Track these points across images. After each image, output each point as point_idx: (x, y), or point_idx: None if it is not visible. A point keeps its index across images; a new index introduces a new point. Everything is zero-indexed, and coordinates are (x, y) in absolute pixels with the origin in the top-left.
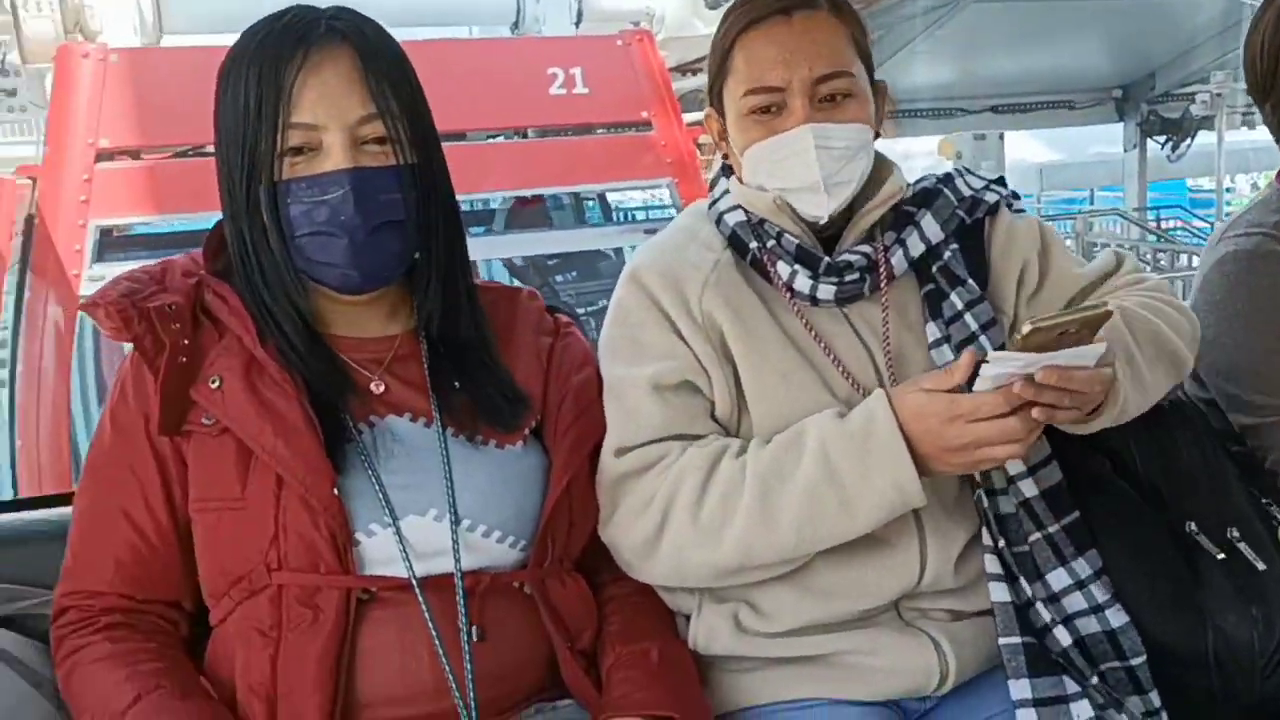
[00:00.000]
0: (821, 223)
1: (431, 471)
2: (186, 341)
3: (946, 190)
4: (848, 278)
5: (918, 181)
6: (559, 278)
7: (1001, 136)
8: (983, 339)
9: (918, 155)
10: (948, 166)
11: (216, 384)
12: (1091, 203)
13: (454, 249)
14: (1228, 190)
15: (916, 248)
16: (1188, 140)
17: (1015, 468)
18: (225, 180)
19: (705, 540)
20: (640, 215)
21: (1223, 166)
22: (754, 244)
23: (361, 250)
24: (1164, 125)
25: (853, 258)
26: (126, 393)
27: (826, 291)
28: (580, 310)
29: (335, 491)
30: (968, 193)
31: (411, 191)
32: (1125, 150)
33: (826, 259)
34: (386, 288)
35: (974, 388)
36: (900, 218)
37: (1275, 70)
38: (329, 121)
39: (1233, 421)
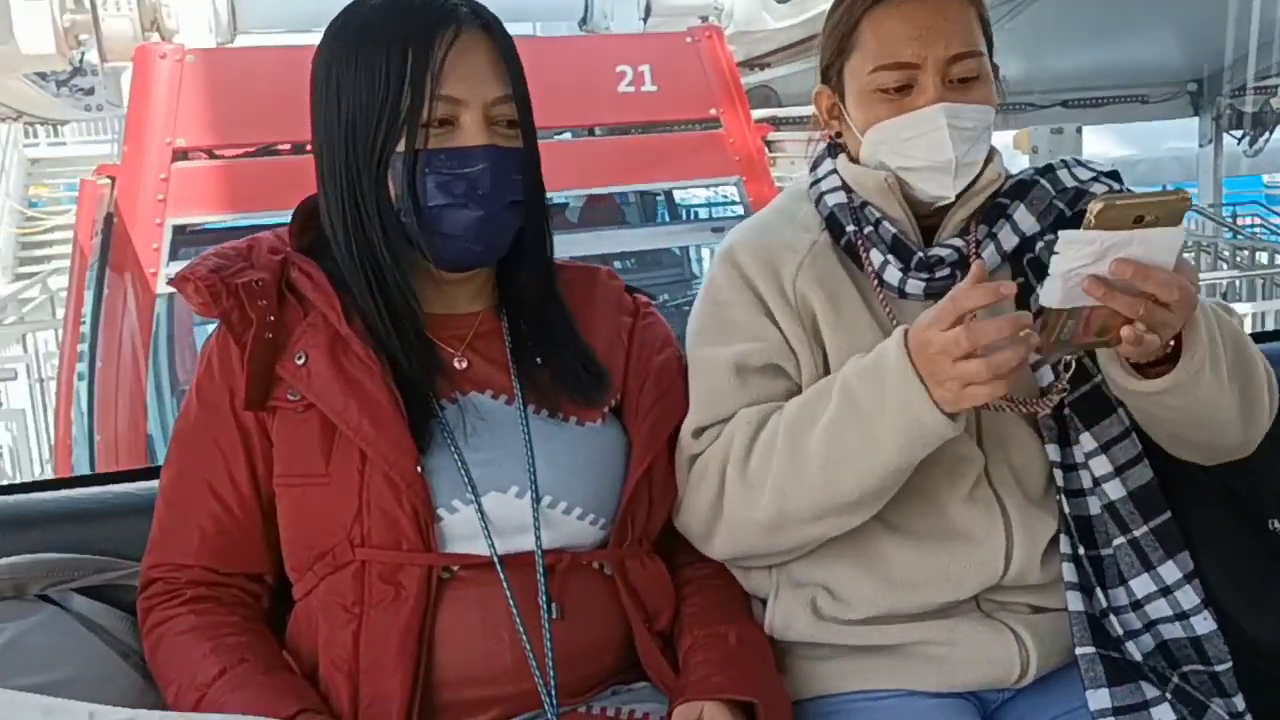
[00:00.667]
0: (947, 201)
1: (513, 448)
2: (273, 318)
3: (1044, 181)
4: (938, 273)
5: (1017, 173)
6: (617, 264)
7: (1079, 130)
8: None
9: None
10: (1024, 160)
11: (302, 360)
12: None
13: (545, 230)
14: None
15: (1009, 240)
16: (1266, 135)
17: (1101, 469)
18: (342, 150)
19: (751, 496)
20: (703, 213)
21: None
22: (851, 227)
23: (489, 225)
24: (1241, 120)
25: (944, 252)
26: (213, 367)
27: (915, 286)
28: None
29: (419, 469)
30: (1071, 184)
31: (528, 174)
32: (1200, 145)
33: (919, 254)
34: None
35: (1044, 288)
36: (994, 210)
37: None
38: (471, 98)
39: None
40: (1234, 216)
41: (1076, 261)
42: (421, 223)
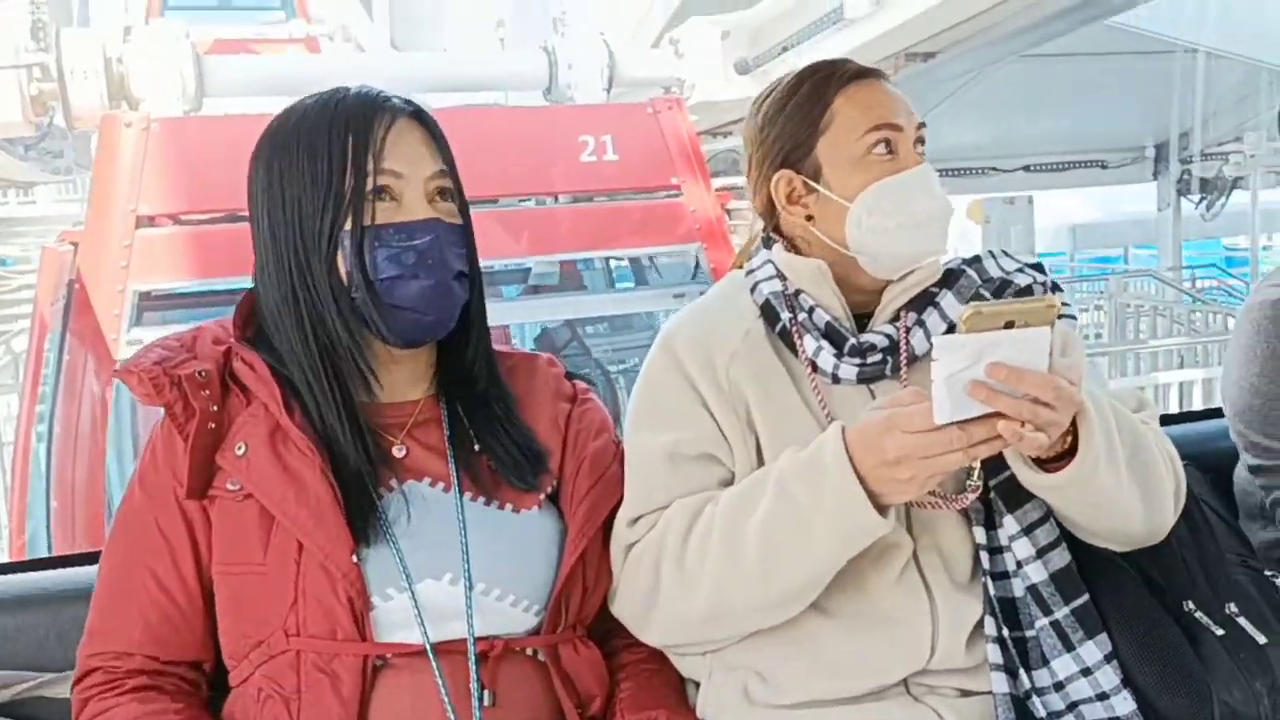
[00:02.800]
0: (941, 255)
1: (448, 535)
2: (215, 408)
3: (970, 270)
4: (870, 359)
5: (945, 262)
6: (589, 329)
7: (1031, 200)
8: None
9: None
10: (976, 230)
11: (242, 450)
12: (1126, 261)
13: (483, 313)
14: (1264, 249)
15: (937, 327)
16: (1222, 199)
17: (1023, 551)
18: (290, 239)
19: (687, 588)
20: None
21: (1258, 226)
22: (785, 315)
23: (439, 294)
24: (1198, 184)
25: (875, 339)
26: (157, 456)
27: (848, 371)
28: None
29: (355, 559)
30: (996, 274)
31: (469, 249)
32: (1159, 209)
33: (852, 340)
34: (421, 347)
35: (934, 405)
36: (922, 298)
37: None
38: (411, 173)
39: (1246, 461)
40: (1193, 280)
41: (955, 366)
42: (374, 297)
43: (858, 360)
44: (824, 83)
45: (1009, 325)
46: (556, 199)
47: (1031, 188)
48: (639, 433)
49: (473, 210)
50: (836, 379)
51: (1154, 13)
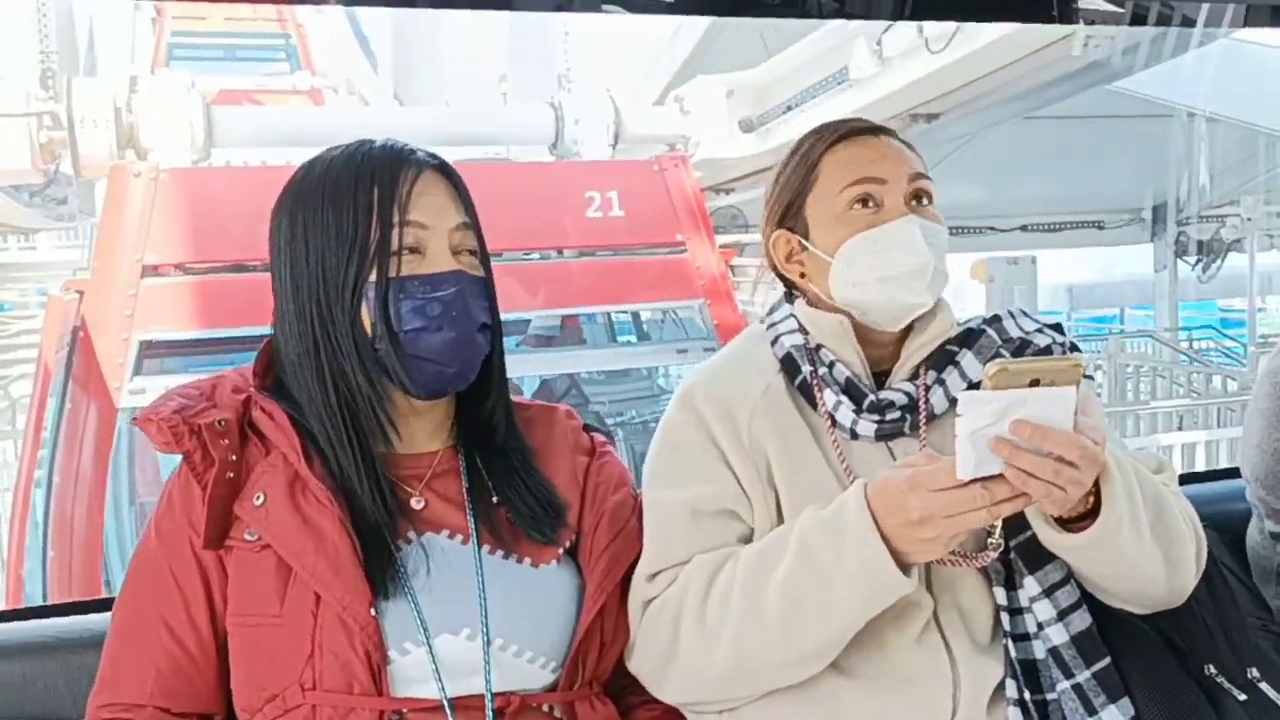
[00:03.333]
0: (925, 309)
1: (466, 589)
2: (234, 457)
3: (990, 330)
4: (889, 416)
5: (965, 321)
6: (584, 375)
7: (1034, 260)
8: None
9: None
10: (980, 290)
11: (260, 500)
12: (1122, 322)
13: (503, 365)
14: (1260, 311)
15: (957, 386)
16: (1218, 262)
17: (1045, 613)
18: (314, 290)
19: (707, 645)
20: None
21: (1254, 288)
22: (806, 368)
23: (463, 346)
24: (1195, 246)
25: (895, 396)
26: (174, 504)
27: (867, 428)
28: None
29: (373, 612)
30: (1016, 334)
31: (491, 302)
32: (1155, 270)
33: (871, 396)
34: (442, 399)
35: (958, 461)
36: (942, 357)
37: None
38: (436, 225)
39: (1266, 527)
40: (1190, 341)
41: (979, 422)
42: (397, 349)
43: (876, 417)
44: (816, 144)
45: (1034, 383)
46: (562, 253)
47: (1029, 247)
48: (659, 488)
49: None
50: (855, 435)
51: (1152, 77)
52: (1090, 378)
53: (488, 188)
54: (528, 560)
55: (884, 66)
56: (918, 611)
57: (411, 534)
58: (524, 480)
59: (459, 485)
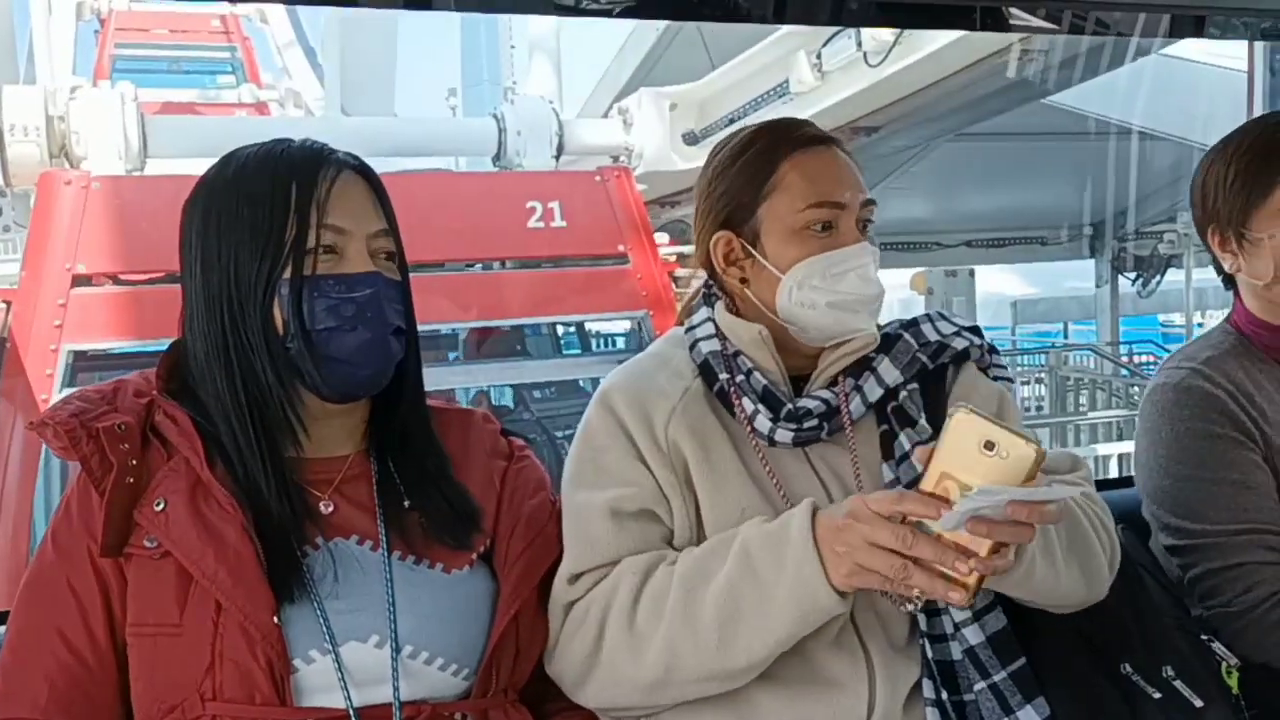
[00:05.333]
0: (869, 335)
1: (375, 596)
2: (134, 462)
3: (907, 335)
4: (805, 423)
5: (883, 326)
6: (536, 393)
7: (972, 273)
8: None
9: (893, 288)
10: (920, 301)
11: (161, 506)
12: (1065, 337)
13: (419, 370)
14: (1198, 326)
15: (874, 393)
16: (1158, 277)
17: (960, 615)
18: (225, 286)
19: (637, 649)
20: (620, 342)
21: (1191, 303)
22: (724, 375)
23: (376, 348)
24: (1134, 262)
25: (811, 404)
26: (71, 512)
27: (784, 435)
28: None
29: (275, 619)
30: (934, 337)
31: (407, 307)
32: (1097, 286)
33: (789, 405)
34: (354, 402)
35: (945, 519)
36: (860, 363)
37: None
38: (354, 228)
39: (1161, 541)
40: (1130, 355)
41: (982, 505)
42: (310, 348)
43: (793, 425)
44: (775, 145)
45: (988, 444)
46: (504, 264)
47: (973, 262)
48: (579, 490)
49: (420, 275)
50: (773, 442)
51: (1089, 92)
52: (1008, 379)
53: (428, 198)
54: (439, 566)
55: (824, 80)
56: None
57: (319, 539)
58: (437, 485)
59: (370, 490)
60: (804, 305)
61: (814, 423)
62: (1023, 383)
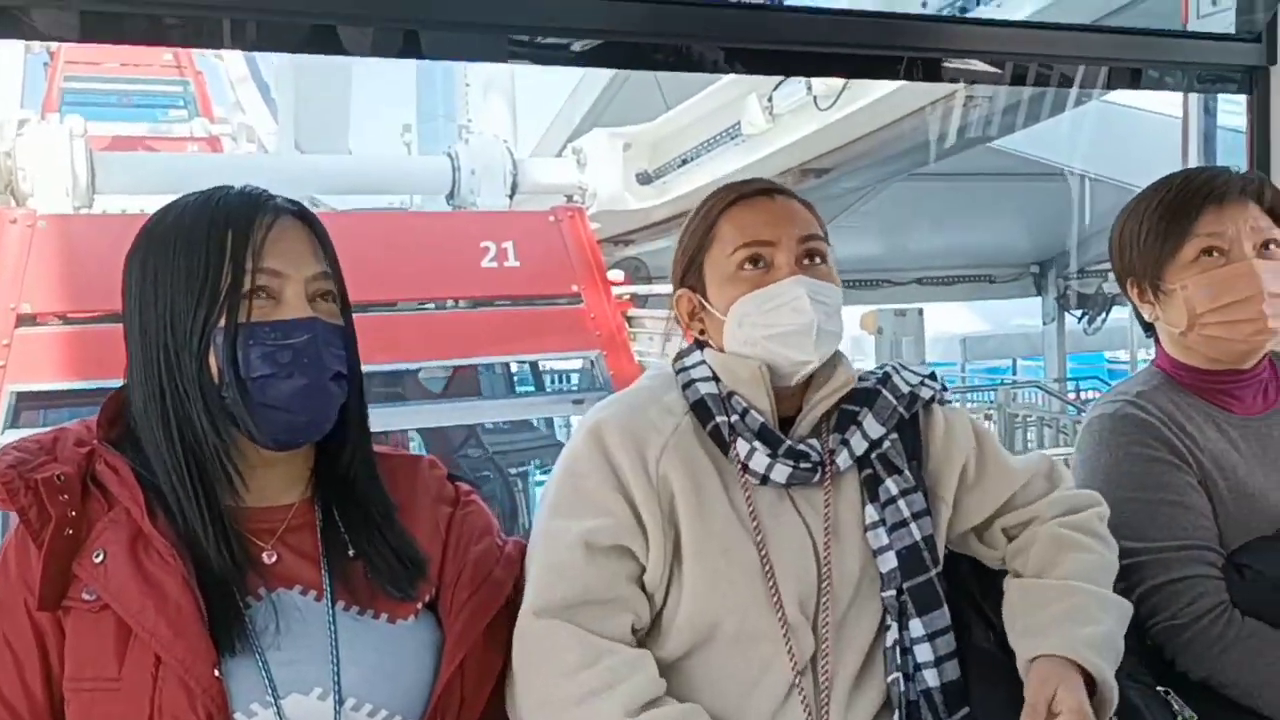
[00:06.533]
0: (811, 366)
1: (319, 647)
2: (74, 514)
3: (885, 390)
4: (802, 464)
5: (860, 379)
6: (489, 424)
7: (921, 312)
8: (913, 526)
9: (845, 323)
10: (870, 340)
11: (100, 558)
12: (1014, 373)
13: (363, 415)
14: (1142, 362)
15: (860, 446)
16: (1103, 315)
17: (924, 655)
18: (161, 334)
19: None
20: (575, 378)
21: (1135, 340)
22: (720, 416)
23: (314, 394)
24: (1079, 300)
25: (807, 449)
26: (9, 564)
27: (781, 473)
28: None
29: (216, 673)
30: (905, 389)
31: (349, 351)
32: (1044, 323)
33: (788, 442)
34: (296, 450)
35: None
36: (844, 417)
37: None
38: (292, 271)
39: None
40: (1077, 391)
41: None
42: (245, 397)
43: (791, 463)
44: (716, 203)
45: None
46: (457, 303)
47: (923, 299)
48: (555, 517)
49: (374, 314)
50: (766, 480)
51: (1032, 137)
52: (950, 402)
53: (381, 237)
54: (384, 616)
55: (775, 123)
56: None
57: (262, 590)
58: (383, 534)
59: (314, 539)
60: (747, 343)
61: (809, 465)
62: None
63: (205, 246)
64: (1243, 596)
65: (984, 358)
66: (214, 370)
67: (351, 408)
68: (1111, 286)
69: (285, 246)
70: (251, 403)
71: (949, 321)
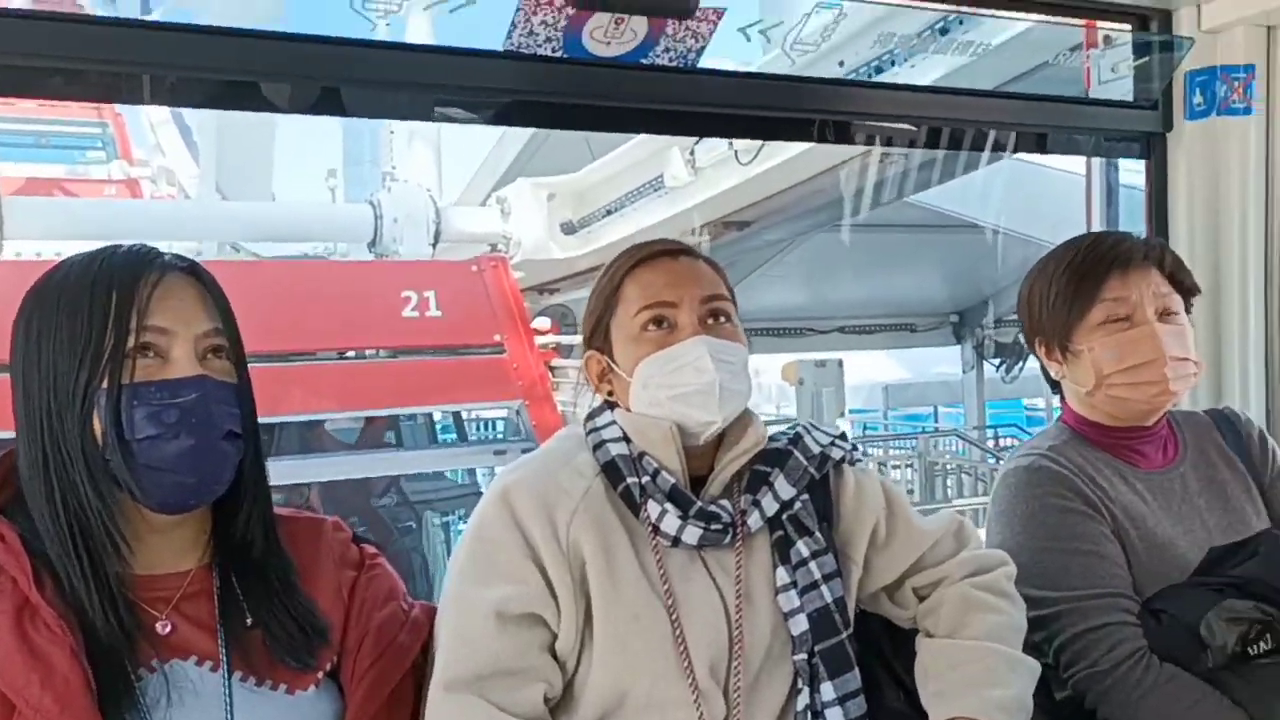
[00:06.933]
0: (714, 426)
1: None
2: None
3: (796, 451)
4: (713, 526)
5: (771, 439)
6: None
7: (841, 363)
8: (824, 588)
9: (768, 371)
10: (791, 391)
11: None
12: (936, 419)
13: (261, 475)
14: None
15: (771, 507)
16: (1020, 364)
17: (834, 718)
18: (43, 397)
19: None
20: (501, 425)
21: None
22: (631, 478)
23: (204, 455)
24: (997, 349)
25: (719, 510)
26: None
27: (692, 535)
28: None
29: None
30: (816, 450)
31: (244, 409)
32: (964, 371)
33: (699, 503)
34: (190, 514)
35: None
36: (755, 478)
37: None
38: (180, 329)
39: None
40: (995, 438)
41: None
42: (128, 459)
43: (703, 524)
44: (619, 267)
45: None
46: (378, 353)
47: (846, 348)
48: (466, 585)
49: (292, 364)
50: (677, 542)
51: (947, 193)
52: (859, 461)
53: (301, 287)
54: (283, 687)
55: (697, 176)
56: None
57: (155, 661)
58: (283, 600)
59: (211, 607)
60: (652, 404)
61: (719, 526)
62: (894, 467)
63: (88, 306)
64: (1159, 642)
65: (906, 405)
66: (97, 433)
67: (248, 467)
68: None
69: (173, 304)
70: (136, 465)
71: (872, 369)
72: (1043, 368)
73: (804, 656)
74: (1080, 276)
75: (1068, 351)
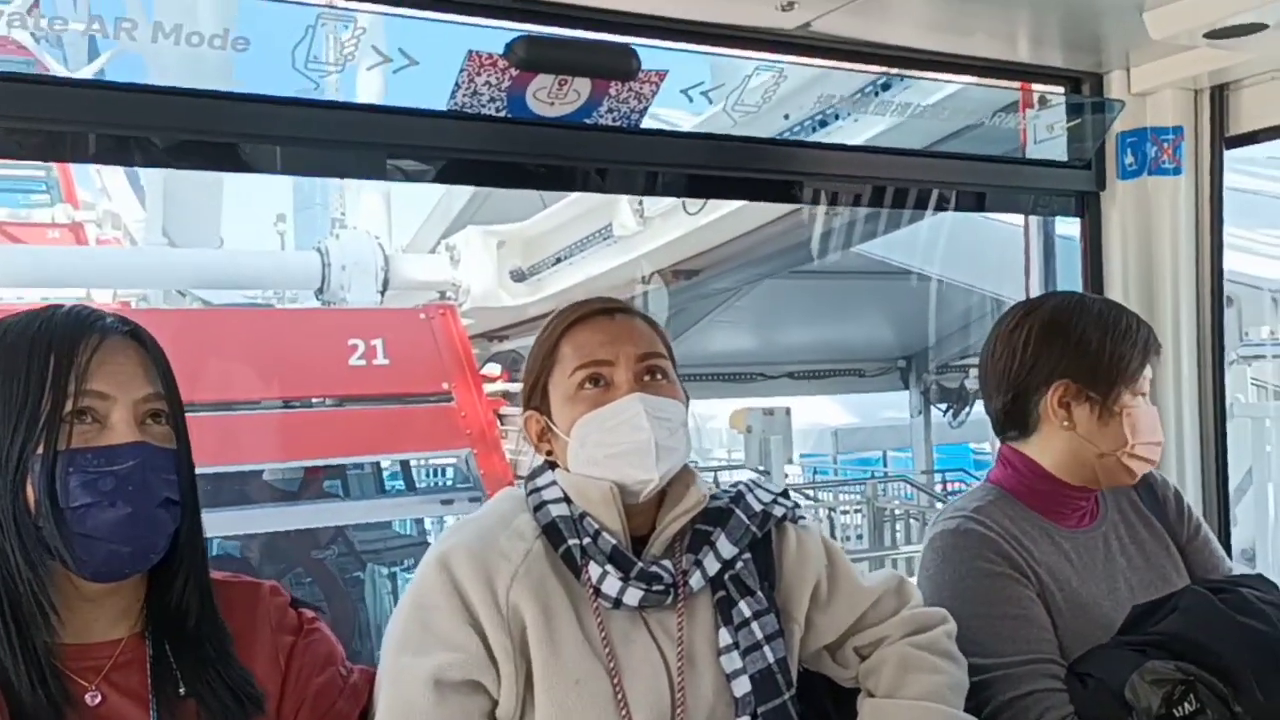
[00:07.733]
0: (652, 484)
1: None
2: None
3: (738, 510)
4: (654, 587)
5: (713, 498)
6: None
7: (789, 411)
8: (766, 649)
9: (719, 416)
10: (740, 437)
11: None
12: (885, 463)
13: (199, 541)
14: None
15: (713, 567)
16: (967, 409)
17: None
18: None
19: None
20: (450, 471)
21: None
22: (572, 540)
23: (139, 523)
24: (944, 394)
25: (660, 571)
26: None
27: (633, 596)
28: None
29: None
30: (758, 507)
31: (183, 476)
32: (911, 416)
33: (640, 565)
34: (124, 582)
35: None
36: (697, 537)
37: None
38: (119, 394)
39: None
40: (944, 483)
41: None
42: (61, 527)
43: (644, 585)
44: (556, 326)
45: None
46: (324, 402)
47: (795, 393)
48: (402, 654)
49: (236, 413)
50: (618, 604)
51: (891, 243)
52: (800, 518)
53: (247, 335)
54: None
55: (646, 225)
56: None
57: None
58: (217, 669)
59: (143, 677)
60: (590, 462)
61: (661, 587)
62: (843, 512)
63: (26, 369)
64: (1086, 706)
65: (855, 449)
66: (30, 500)
67: (185, 534)
68: (973, 382)
69: (113, 368)
70: (69, 533)
71: (821, 414)
72: (998, 420)
73: (747, 718)
74: (1142, 349)
75: (1104, 408)
